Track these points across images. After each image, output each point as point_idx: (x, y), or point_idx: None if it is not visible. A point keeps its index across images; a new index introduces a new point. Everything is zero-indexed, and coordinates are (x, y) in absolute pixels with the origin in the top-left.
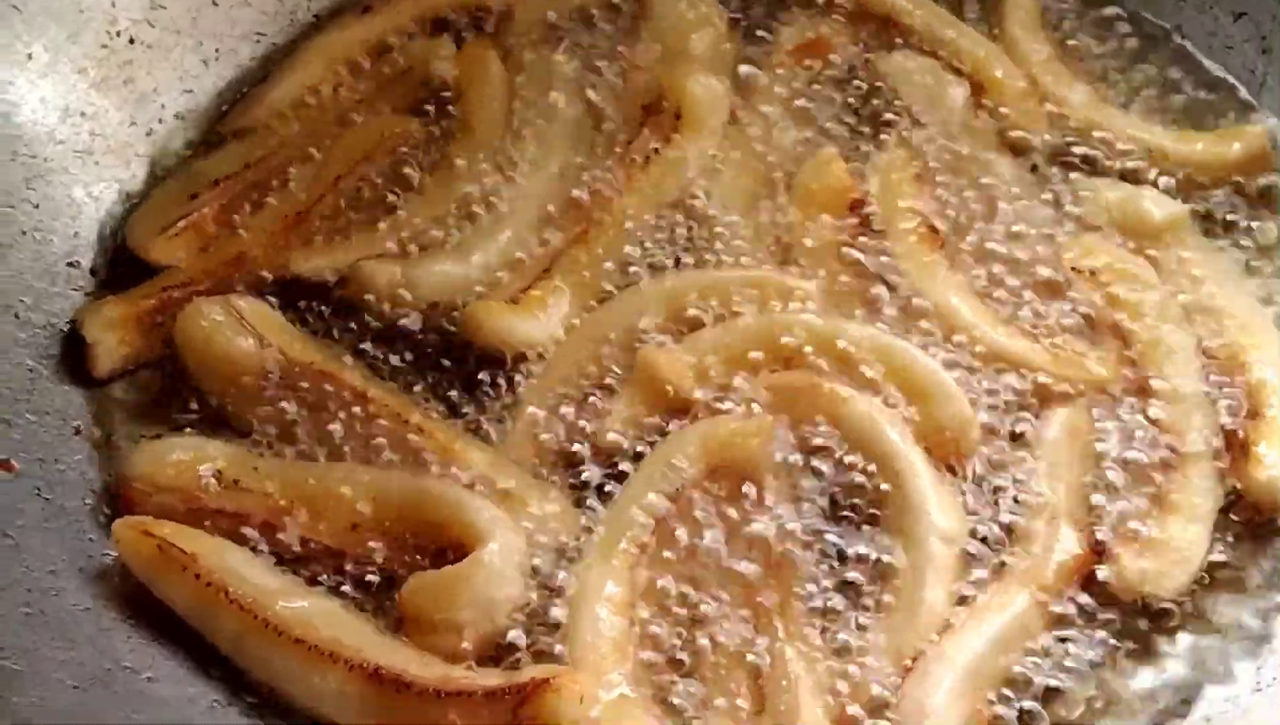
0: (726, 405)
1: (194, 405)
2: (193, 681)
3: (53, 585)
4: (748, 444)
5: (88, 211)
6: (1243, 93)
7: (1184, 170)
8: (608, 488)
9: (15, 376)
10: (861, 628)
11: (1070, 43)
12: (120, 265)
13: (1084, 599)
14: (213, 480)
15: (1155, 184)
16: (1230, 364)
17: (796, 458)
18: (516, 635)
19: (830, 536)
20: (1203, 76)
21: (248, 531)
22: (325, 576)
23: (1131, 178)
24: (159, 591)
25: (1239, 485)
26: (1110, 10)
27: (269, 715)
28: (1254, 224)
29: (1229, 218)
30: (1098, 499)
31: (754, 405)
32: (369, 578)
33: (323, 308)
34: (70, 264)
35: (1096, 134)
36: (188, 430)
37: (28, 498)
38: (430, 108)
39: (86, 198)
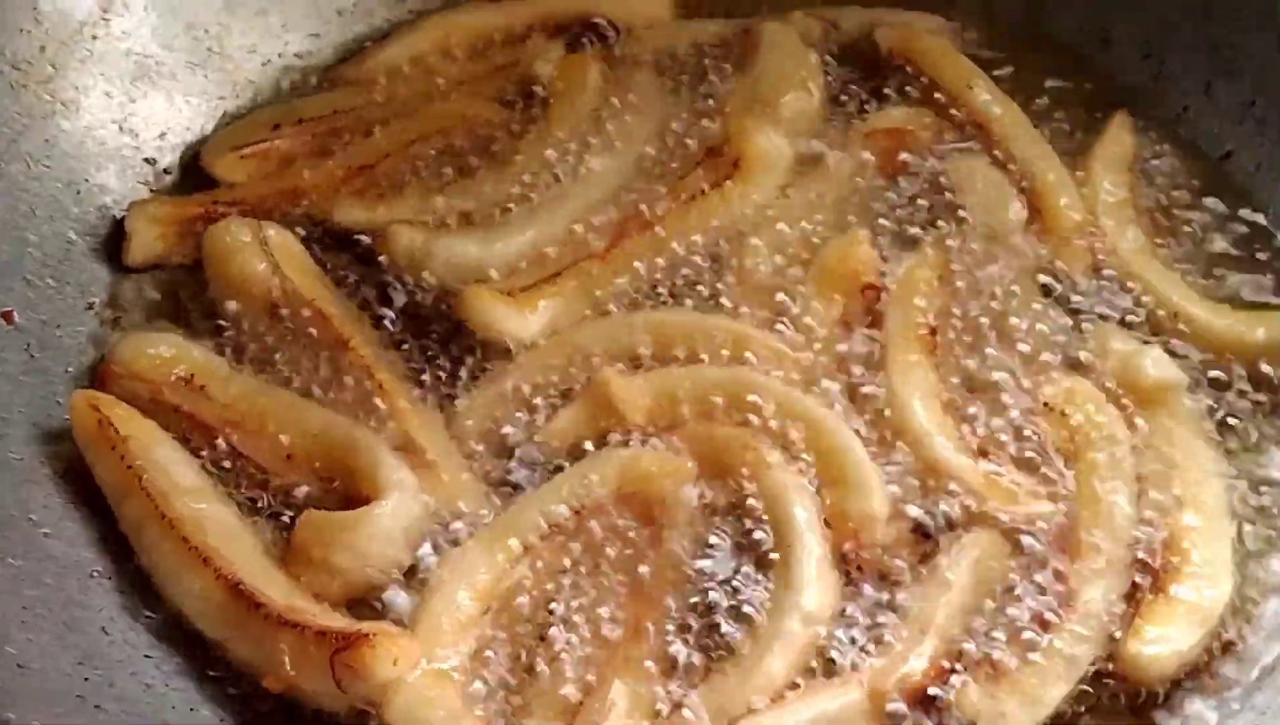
0: (661, 441)
1: (201, 313)
2: (85, 548)
3: (2, 431)
4: (664, 482)
5: (181, 119)
6: None
7: (1204, 341)
8: (525, 487)
9: (52, 242)
10: (698, 679)
11: (1152, 192)
12: (192, 174)
13: (918, 716)
14: (181, 381)
15: (1169, 347)
16: (1163, 539)
17: (706, 507)
18: (385, 592)
19: (708, 587)
20: (1272, 256)
21: (193, 434)
22: (244, 493)
23: (1154, 335)
24: (90, 463)
25: (1112, 651)
26: (1203, 175)
27: (135, 597)
28: (1251, 411)
29: (1230, 398)
30: (975, 624)
31: (694, 448)
32: (286, 505)
33: (348, 258)
34: (147, 160)
35: (1131, 284)
36: (186, 331)
37: (15, 349)
38: (521, 103)
39: (184, 106)
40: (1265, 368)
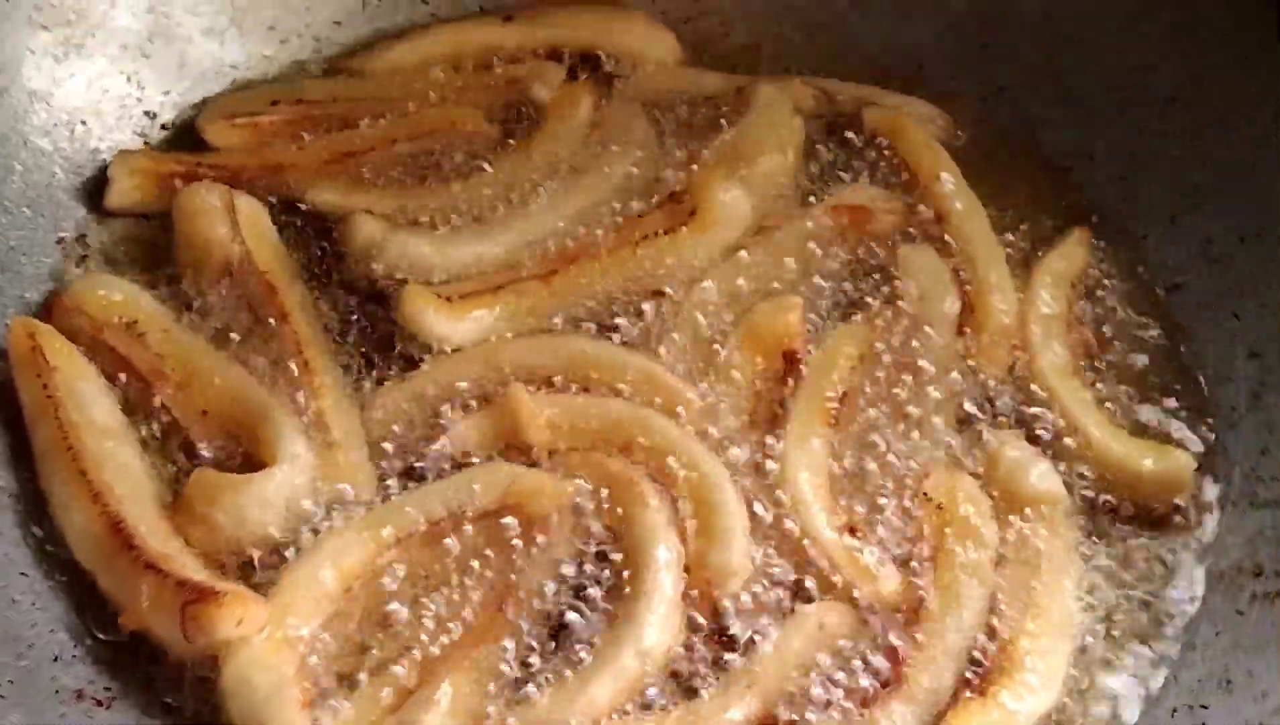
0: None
1: (161, 266)
2: None
3: None
4: (544, 502)
5: (188, 81)
6: (1211, 423)
7: (1097, 463)
8: (418, 483)
9: (36, 174)
10: (526, 693)
11: (1093, 311)
12: (187, 135)
13: None
14: (124, 324)
15: (1063, 463)
16: (1003, 640)
17: (582, 531)
18: (259, 557)
19: (561, 607)
20: (1189, 393)
21: (123, 377)
22: (157, 441)
23: (1049, 448)
24: (17, 385)
25: None
26: (1148, 304)
27: (28, 518)
28: (1125, 537)
29: (1107, 522)
30: (801, 690)
31: (582, 474)
32: (192, 459)
33: (311, 239)
34: (147, 113)
35: (1042, 395)
36: (144, 280)
37: None
38: (512, 121)
39: (195, 69)
40: (1147, 500)
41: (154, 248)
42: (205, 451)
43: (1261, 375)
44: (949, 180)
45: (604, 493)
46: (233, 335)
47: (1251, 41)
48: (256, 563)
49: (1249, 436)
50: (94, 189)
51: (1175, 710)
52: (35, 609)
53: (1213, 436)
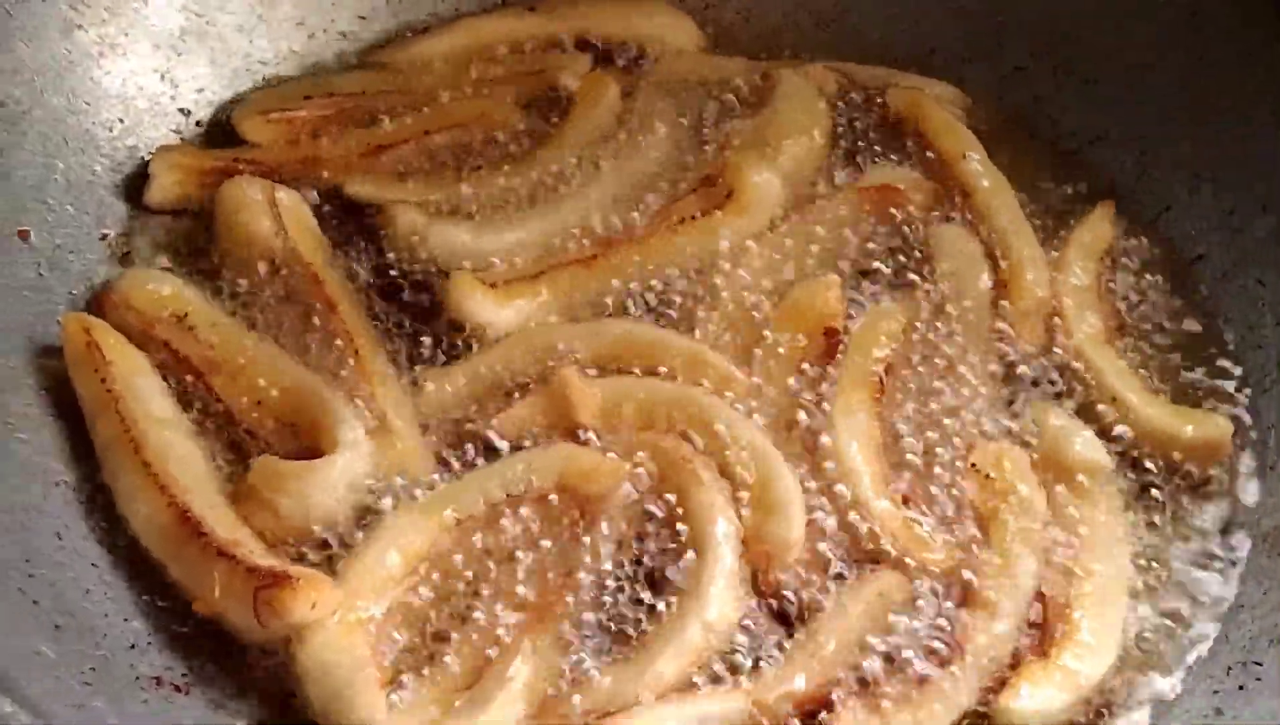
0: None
1: (205, 259)
2: (55, 458)
3: None
4: (600, 481)
5: (221, 78)
6: (1244, 389)
7: (1136, 429)
8: (473, 466)
9: (78, 173)
10: (595, 668)
11: (1121, 282)
12: (222, 130)
13: None
14: (174, 318)
15: (1102, 430)
16: (1057, 605)
17: (639, 509)
18: (324, 540)
19: (624, 583)
20: (1220, 360)
21: (175, 370)
22: (212, 431)
23: (1090, 416)
24: (74, 381)
25: (987, 702)
26: (1173, 274)
27: (93, 511)
28: (1166, 501)
29: (1148, 486)
30: (864, 656)
31: (636, 454)
32: (248, 448)
33: (352, 230)
34: (182, 110)
35: (1078, 365)
36: (188, 274)
37: (27, 266)
38: (541, 110)
39: (225, 68)
40: (1187, 465)
41: (196, 243)
42: (261, 440)
43: None
44: (975, 158)
45: (658, 471)
46: (279, 326)
47: (1262, 19)
48: (319, 548)
49: None
50: (135, 186)
51: (1230, 668)
52: (107, 599)
53: (1246, 402)
